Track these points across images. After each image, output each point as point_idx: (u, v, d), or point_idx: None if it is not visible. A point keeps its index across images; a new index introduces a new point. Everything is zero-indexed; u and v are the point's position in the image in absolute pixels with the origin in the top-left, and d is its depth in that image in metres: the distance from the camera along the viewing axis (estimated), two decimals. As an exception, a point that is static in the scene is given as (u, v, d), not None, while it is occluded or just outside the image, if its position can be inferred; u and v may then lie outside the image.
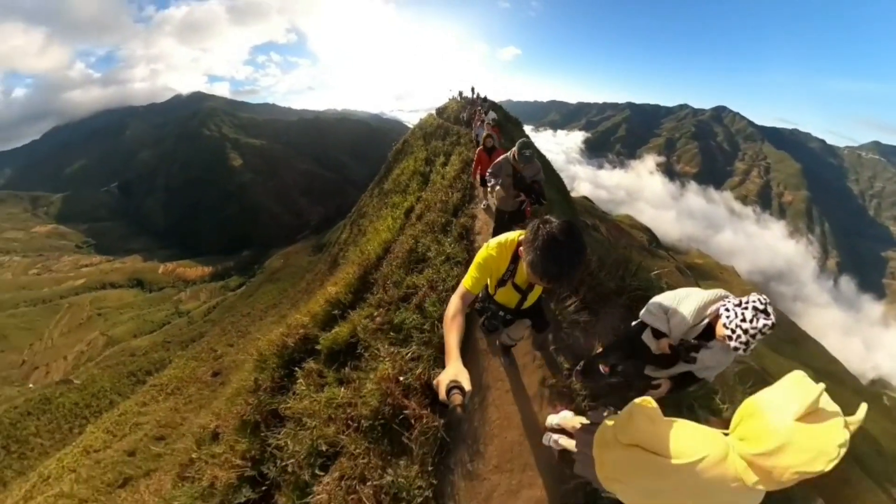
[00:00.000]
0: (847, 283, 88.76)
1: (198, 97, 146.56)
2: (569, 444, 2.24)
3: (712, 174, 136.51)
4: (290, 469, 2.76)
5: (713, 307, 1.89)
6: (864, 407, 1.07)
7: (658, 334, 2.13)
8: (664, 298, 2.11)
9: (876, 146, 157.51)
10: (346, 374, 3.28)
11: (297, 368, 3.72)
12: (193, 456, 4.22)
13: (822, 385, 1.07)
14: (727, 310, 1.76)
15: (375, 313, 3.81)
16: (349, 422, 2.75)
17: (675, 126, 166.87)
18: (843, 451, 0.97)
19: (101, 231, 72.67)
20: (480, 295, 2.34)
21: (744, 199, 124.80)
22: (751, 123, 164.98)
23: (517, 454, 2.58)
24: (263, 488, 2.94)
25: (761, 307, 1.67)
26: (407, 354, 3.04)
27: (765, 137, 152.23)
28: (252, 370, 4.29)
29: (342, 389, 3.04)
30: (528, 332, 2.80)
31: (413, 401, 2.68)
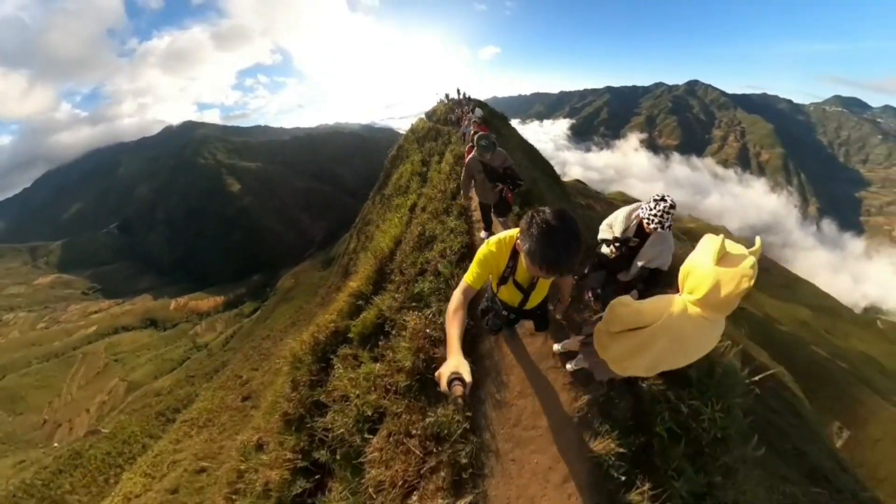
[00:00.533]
0: (828, 226, 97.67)
1: (189, 126, 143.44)
2: (579, 362, 2.76)
3: (693, 144, 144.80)
4: (341, 440, 2.97)
5: (636, 213, 2.72)
6: (759, 239, 1.46)
7: (608, 243, 2.89)
8: (605, 220, 3.01)
9: (837, 99, 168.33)
10: (378, 351, 3.52)
11: (332, 356, 3.88)
12: (241, 468, 4.28)
13: (721, 235, 1.48)
14: (642, 209, 2.61)
15: (397, 294, 4.10)
16: (388, 388, 3.03)
17: (653, 104, 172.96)
18: (755, 270, 1.37)
19: (106, 274, 71.44)
20: (487, 294, 2.55)
21: (725, 163, 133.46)
22: (723, 93, 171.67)
23: (535, 380, 2.92)
24: (317, 477, 3.09)
25: (659, 197, 2.48)
26: (429, 314, 3.43)
27: (737, 104, 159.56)
28: (288, 373, 4.39)
29: (377, 365, 3.32)
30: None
31: (441, 349, 3.01)
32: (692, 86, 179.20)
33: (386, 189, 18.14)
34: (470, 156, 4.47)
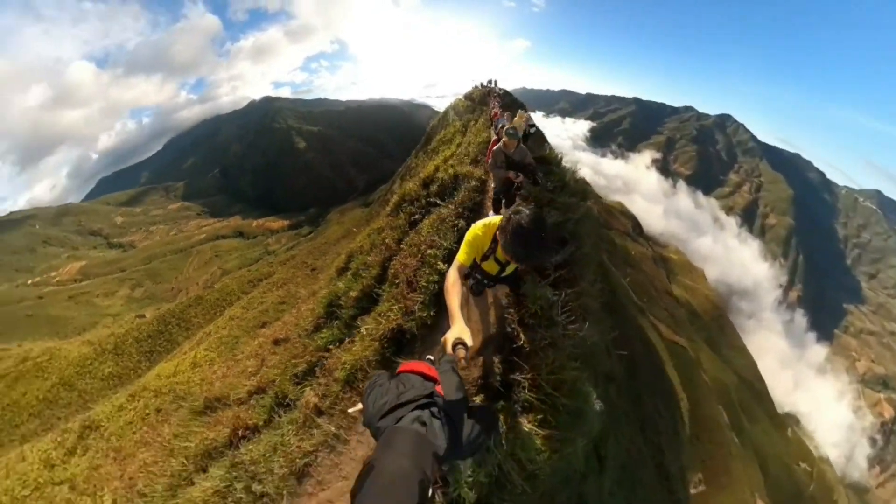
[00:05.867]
0: (800, 319, 78.30)
1: (267, 100, 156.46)
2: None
3: (705, 179, 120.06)
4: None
5: (498, 147, 4.25)
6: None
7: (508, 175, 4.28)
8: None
9: (876, 195, 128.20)
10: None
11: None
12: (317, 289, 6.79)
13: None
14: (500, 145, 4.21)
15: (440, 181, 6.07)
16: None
17: (678, 127, 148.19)
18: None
19: (212, 203, 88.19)
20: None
21: (729, 210, 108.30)
22: (753, 138, 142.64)
23: (483, 313, 3.67)
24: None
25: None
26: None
27: (764, 155, 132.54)
28: (391, 210, 6.38)
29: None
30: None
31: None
32: (723, 120, 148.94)
33: (429, 146, 18.15)
34: (496, 145, 4.39)
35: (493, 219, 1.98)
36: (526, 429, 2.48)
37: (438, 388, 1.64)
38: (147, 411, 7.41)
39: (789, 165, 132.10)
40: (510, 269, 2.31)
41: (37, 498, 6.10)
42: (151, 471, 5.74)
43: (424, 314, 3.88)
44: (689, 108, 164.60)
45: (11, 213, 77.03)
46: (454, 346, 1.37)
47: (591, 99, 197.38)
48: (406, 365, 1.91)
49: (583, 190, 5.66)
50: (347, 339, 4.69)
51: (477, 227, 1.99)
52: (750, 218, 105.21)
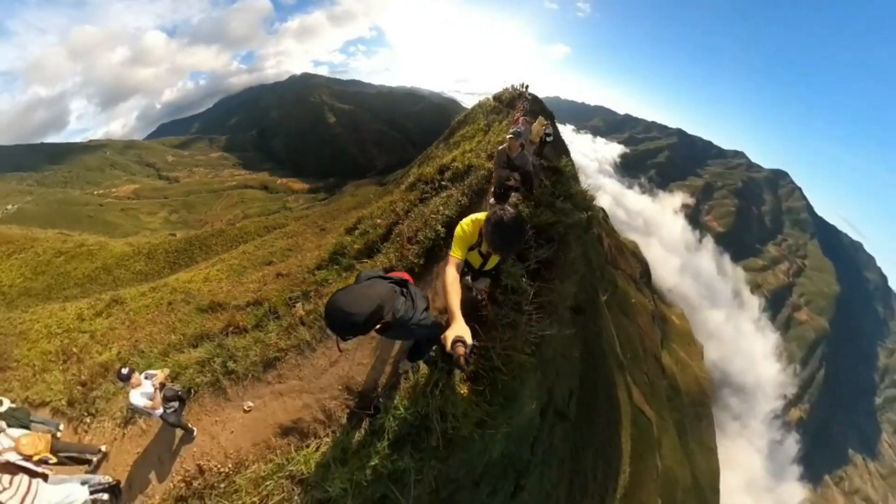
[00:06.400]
0: (792, 445, 56.42)
1: (306, 76, 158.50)
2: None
3: (738, 243, 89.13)
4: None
5: (502, 147, 4.19)
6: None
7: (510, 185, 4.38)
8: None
9: None
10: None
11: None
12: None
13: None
14: (504, 147, 4.17)
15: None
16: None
17: (721, 173, 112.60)
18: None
19: (248, 157, 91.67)
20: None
21: (756, 289, 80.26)
22: (809, 208, 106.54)
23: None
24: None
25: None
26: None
27: (817, 233, 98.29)
28: (407, 188, 6.98)
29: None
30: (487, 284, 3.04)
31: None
32: (778, 176, 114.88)
33: (451, 139, 18.19)
34: (500, 147, 4.29)
35: (479, 215, 2.04)
36: (462, 392, 2.37)
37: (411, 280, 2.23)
38: (162, 301, 8.50)
39: (845, 255, 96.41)
40: (492, 262, 2.37)
41: (65, 337, 7.35)
42: (153, 338, 6.68)
43: (416, 261, 4.06)
44: (739, 154, 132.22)
45: (91, 140, 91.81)
46: (454, 343, 1.34)
47: (628, 121, 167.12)
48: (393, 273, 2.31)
49: (587, 206, 5.44)
50: (342, 275, 5.12)
51: (465, 223, 2.03)
52: (777, 305, 77.50)
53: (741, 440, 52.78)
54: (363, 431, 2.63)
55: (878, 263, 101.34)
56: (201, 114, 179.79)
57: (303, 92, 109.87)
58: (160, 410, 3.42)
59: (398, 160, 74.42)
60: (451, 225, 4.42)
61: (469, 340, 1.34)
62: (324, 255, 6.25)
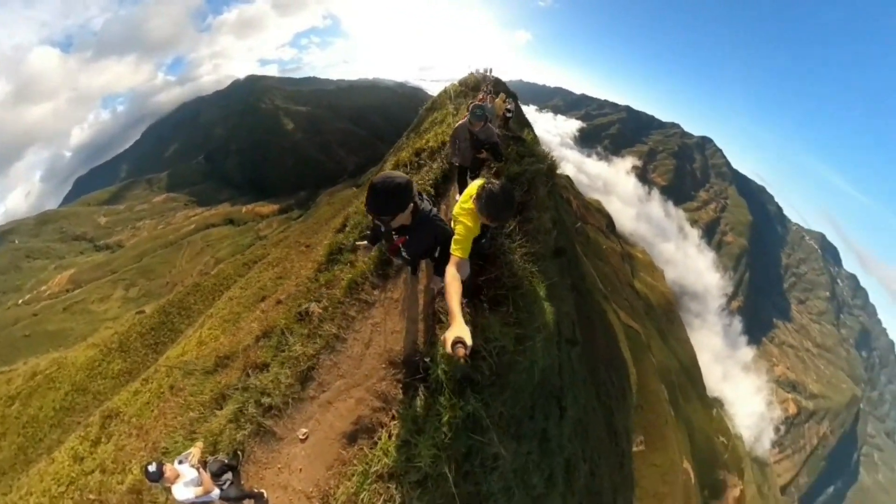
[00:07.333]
0: (737, 324, 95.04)
1: (253, 79, 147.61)
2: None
3: (676, 192, 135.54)
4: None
5: (461, 125, 4.58)
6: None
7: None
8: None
9: (820, 237, 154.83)
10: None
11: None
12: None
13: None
14: (464, 123, 4.48)
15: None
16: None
17: (661, 140, 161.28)
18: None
19: (199, 191, 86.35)
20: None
21: (694, 223, 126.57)
22: (728, 164, 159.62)
23: (412, 292, 4.13)
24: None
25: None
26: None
27: (734, 181, 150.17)
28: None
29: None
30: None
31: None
32: (704, 142, 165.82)
33: (421, 127, 19.02)
34: (460, 123, 4.53)
35: (468, 203, 2.26)
36: (493, 319, 2.91)
37: None
38: (161, 390, 8.01)
39: (754, 195, 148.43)
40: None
41: (73, 492, 6.56)
42: (171, 428, 6.25)
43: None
44: (675, 125, 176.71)
45: (-15, 232, 67.67)
46: (454, 345, 1.42)
47: (584, 100, 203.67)
48: None
49: (545, 157, 6.45)
50: (348, 266, 5.21)
51: (466, 221, 2.19)
52: (710, 233, 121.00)
53: (703, 330, 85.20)
54: (423, 396, 2.82)
55: (776, 199, 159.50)
56: (128, 150, 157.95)
57: (251, 98, 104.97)
58: (216, 491, 3.18)
59: (369, 158, 73.78)
60: (437, 186, 5.57)
61: (469, 341, 1.43)
62: (321, 258, 6.54)
